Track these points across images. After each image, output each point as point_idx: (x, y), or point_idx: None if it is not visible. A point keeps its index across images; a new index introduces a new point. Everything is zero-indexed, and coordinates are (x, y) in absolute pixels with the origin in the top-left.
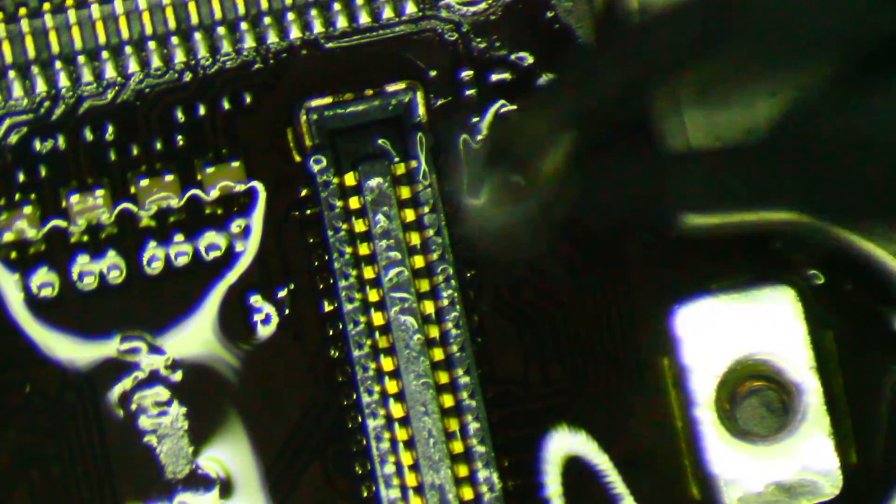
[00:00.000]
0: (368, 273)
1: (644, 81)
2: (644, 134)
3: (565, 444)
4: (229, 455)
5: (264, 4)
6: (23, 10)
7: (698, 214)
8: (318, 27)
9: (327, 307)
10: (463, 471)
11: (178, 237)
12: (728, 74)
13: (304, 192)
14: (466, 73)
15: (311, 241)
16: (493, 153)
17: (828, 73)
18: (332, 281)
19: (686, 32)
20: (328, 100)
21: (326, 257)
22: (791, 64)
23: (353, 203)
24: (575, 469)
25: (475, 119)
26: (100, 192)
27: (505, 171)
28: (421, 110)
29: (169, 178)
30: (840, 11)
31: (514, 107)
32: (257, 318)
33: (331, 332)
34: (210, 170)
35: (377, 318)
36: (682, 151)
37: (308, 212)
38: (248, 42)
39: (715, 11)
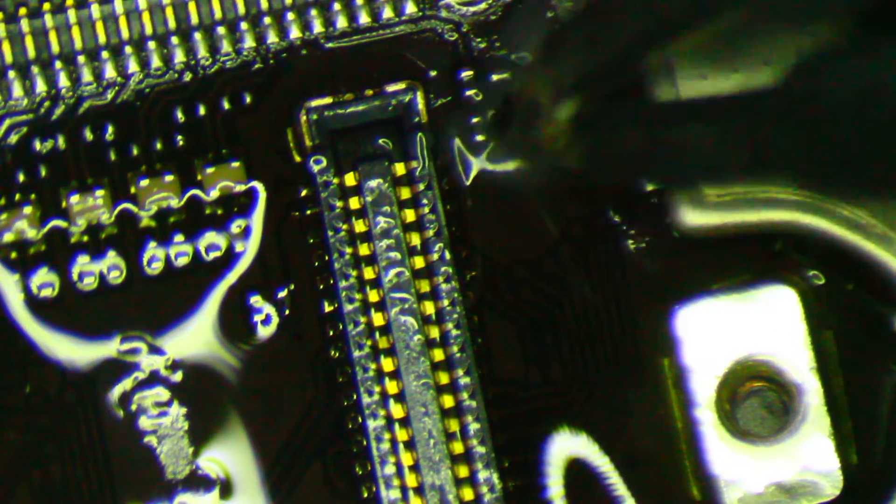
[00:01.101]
0: (369, 273)
1: (643, 44)
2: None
3: (566, 445)
4: (229, 456)
5: (264, 4)
6: (23, 10)
7: (702, 183)
8: (318, 27)
9: (327, 308)
10: (463, 471)
11: (179, 237)
12: (725, 38)
13: (304, 193)
14: (466, 74)
15: (312, 241)
16: (498, 118)
17: (825, 36)
18: (332, 281)
19: None
20: (328, 100)
21: (326, 258)
22: (788, 28)
23: (354, 203)
24: (575, 470)
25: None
26: (100, 193)
27: (510, 134)
28: (421, 110)
29: (169, 178)
30: None
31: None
32: (257, 318)
33: (331, 333)
34: (210, 170)
35: (377, 319)
36: (683, 106)
37: (308, 212)
38: (248, 42)
39: None
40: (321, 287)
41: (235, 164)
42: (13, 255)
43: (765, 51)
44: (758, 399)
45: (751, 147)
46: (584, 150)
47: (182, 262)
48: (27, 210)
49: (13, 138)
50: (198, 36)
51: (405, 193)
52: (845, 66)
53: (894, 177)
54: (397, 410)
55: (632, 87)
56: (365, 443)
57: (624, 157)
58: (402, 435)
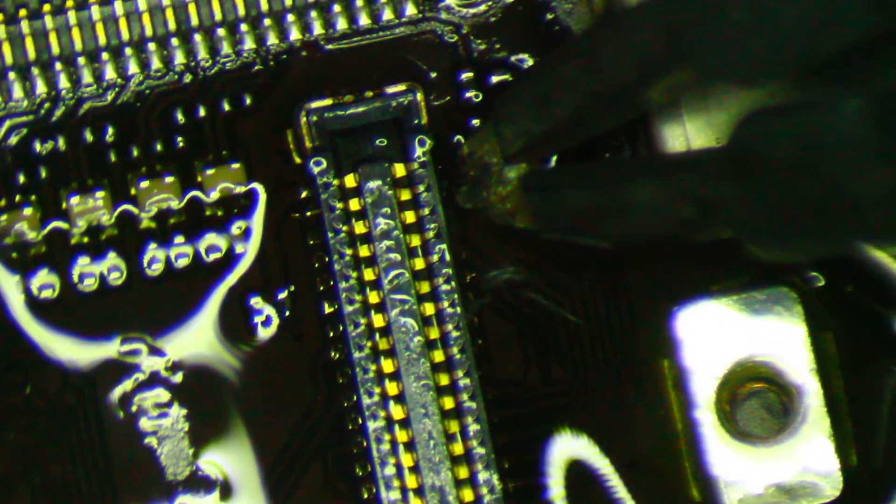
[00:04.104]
0: (369, 275)
1: (596, 105)
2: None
3: (566, 446)
4: (230, 457)
5: (264, 6)
6: (23, 12)
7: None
8: (318, 29)
9: (328, 309)
10: (463, 472)
11: (179, 239)
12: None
13: (304, 194)
14: (466, 75)
15: (312, 242)
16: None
17: (769, 91)
18: (332, 283)
19: (638, 52)
20: (328, 101)
21: (327, 259)
22: (743, 79)
23: (354, 205)
24: (575, 471)
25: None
26: (100, 194)
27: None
28: (421, 112)
29: (169, 179)
30: (788, 31)
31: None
32: (258, 319)
33: (331, 334)
34: (210, 171)
35: (377, 320)
36: (632, 166)
37: (308, 213)
38: (248, 43)
39: (666, 25)
40: (321, 288)
41: (236, 166)
42: (14, 256)
43: (711, 107)
44: (758, 400)
45: (697, 203)
46: (533, 210)
47: (182, 263)
48: (27, 211)
49: (13, 139)
50: (198, 37)
51: (405, 195)
52: (790, 121)
53: (840, 230)
54: (397, 412)
55: (580, 148)
56: (365, 444)
57: (571, 217)
58: (402, 436)
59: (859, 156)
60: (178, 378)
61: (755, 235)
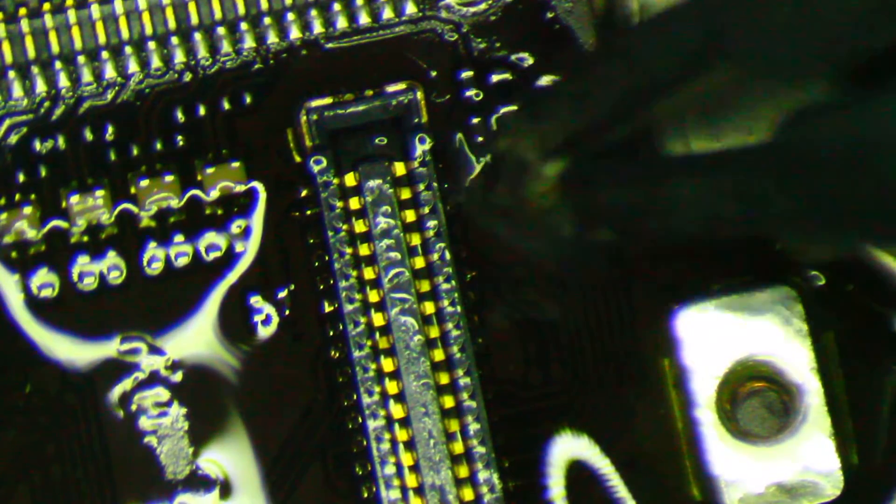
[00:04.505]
0: (369, 274)
1: (636, 101)
2: (645, 142)
3: (566, 445)
4: (230, 456)
5: (264, 4)
6: (23, 11)
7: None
8: (318, 27)
9: (327, 308)
10: (463, 472)
11: (179, 238)
12: (727, 88)
13: (304, 193)
14: (466, 74)
15: (312, 241)
16: (486, 175)
17: (822, 86)
18: (332, 281)
19: (678, 49)
20: (328, 100)
21: (327, 258)
22: (787, 78)
23: (354, 203)
24: (575, 470)
25: (476, 120)
26: (100, 193)
27: (493, 194)
28: (421, 110)
29: (169, 178)
30: (832, 30)
31: (505, 127)
32: (257, 318)
33: (331, 333)
34: (210, 170)
35: (377, 319)
36: (673, 162)
37: (308, 212)
38: (248, 42)
39: (708, 24)
40: (321, 287)
41: (235, 165)
42: (13, 255)
43: (755, 106)
44: (758, 399)
45: (741, 200)
46: (573, 208)
47: (182, 262)
48: (27, 210)
49: (13, 138)
50: (198, 36)
51: (405, 194)
52: (836, 119)
53: (887, 228)
54: (397, 411)
55: (621, 144)
56: (365, 443)
57: (613, 214)
58: (402, 435)
59: None
60: (177, 377)
61: (797, 231)
